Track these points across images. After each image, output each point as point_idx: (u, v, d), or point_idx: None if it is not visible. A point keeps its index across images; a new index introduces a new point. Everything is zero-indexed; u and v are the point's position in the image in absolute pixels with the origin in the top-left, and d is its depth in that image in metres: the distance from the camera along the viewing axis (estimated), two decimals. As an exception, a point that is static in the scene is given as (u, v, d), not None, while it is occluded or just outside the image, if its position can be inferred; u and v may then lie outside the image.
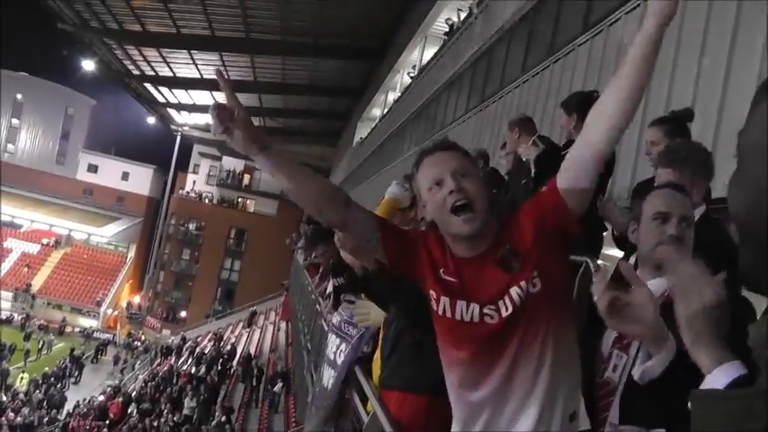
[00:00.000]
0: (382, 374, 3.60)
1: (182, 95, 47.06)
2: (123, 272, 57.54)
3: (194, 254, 56.28)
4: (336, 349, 5.04)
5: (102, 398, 27.76)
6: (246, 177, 58.55)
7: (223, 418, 19.74)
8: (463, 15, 19.76)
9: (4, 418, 25.93)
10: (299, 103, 45.42)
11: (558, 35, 10.98)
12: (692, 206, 2.37)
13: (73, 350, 37.70)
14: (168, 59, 38.47)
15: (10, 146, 64.24)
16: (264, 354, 28.85)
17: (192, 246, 56.46)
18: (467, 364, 2.08)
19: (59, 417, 28.13)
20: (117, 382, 33.64)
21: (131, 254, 60.19)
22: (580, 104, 4.52)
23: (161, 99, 49.28)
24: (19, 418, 26.39)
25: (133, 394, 28.08)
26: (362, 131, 37.47)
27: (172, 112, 54.05)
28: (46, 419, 27.21)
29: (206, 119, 51.68)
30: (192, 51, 35.98)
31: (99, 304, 51.65)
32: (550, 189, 2.00)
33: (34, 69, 64.27)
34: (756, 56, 5.59)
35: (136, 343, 45.25)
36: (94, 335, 46.27)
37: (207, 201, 58.45)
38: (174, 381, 27.23)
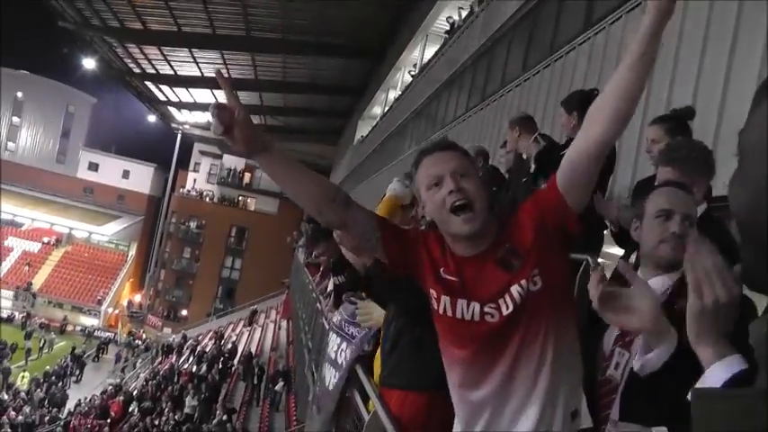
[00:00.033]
0: (382, 373, 3.60)
1: (182, 94, 47.00)
2: (124, 270, 57.53)
3: (195, 252, 56.28)
4: (338, 348, 5.04)
5: (103, 396, 27.83)
6: (247, 176, 58.55)
7: (224, 417, 19.77)
8: (464, 14, 19.76)
9: (5, 417, 25.94)
10: (299, 101, 45.37)
11: (558, 34, 10.97)
12: (695, 205, 2.37)
13: (74, 349, 37.70)
14: (169, 57, 38.43)
15: (10, 144, 64.25)
16: (265, 352, 28.90)
17: (192, 244, 56.48)
18: (468, 362, 2.08)
19: (61, 415, 28.13)
20: (118, 380, 33.65)
21: (132, 252, 60.17)
22: (580, 103, 4.52)
23: (162, 97, 49.23)
24: (20, 417, 26.40)
25: (134, 393, 28.12)
26: (363, 130, 37.43)
27: (172, 110, 53.97)
28: (47, 418, 27.22)
29: (207, 117, 51.83)
30: (193, 49, 35.92)
31: (100, 303, 51.62)
32: (550, 187, 2.00)
33: (35, 67, 64.38)
34: (757, 56, 5.59)
35: (137, 341, 45.26)
36: (95, 333, 46.27)
37: (208, 199, 58.47)
38: (176, 379, 27.26)
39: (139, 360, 40.87)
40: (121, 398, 26.58)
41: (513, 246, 2.03)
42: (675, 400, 1.40)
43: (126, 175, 64.59)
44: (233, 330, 39.23)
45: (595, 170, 1.95)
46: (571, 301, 2.17)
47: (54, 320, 46.55)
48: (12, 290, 49.08)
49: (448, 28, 21.32)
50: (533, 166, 4.92)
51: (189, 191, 58.89)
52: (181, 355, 34.54)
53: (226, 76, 2.18)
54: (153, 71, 41.70)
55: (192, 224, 56.64)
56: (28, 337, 39.96)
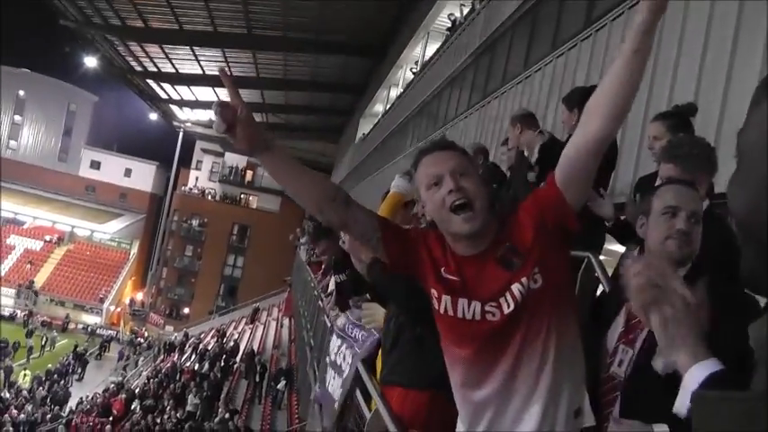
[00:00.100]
0: (383, 371, 3.60)
1: (184, 92, 47.04)
2: (126, 268, 57.62)
3: (197, 250, 56.36)
4: (338, 350, 5.04)
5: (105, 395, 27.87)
6: (249, 173, 58.59)
7: (226, 415, 19.79)
8: (465, 11, 19.74)
9: (7, 415, 25.97)
10: (301, 98, 45.37)
11: (560, 31, 10.95)
12: (701, 202, 2.37)
13: (76, 347, 37.75)
14: (170, 55, 38.46)
15: (12, 142, 64.21)
16: (267, 350, 28.91)
17: (194, 242, 56.56)
18: (470, 362, 2.08)
19: (63, 413, 28.16)
20: (120, 378, 33.69)
21: (134, 250, 60.29)
22: (582, 100, 4.48)
23: (163, 95, 49.28)
24: (22, 415, 26.44)
25: (136, 391, 28.15)
26: (365, 127, 37.43)
27: (174, 108, 54.01)
28: (49, 416, 27.25)
29: (208, 115, 51.81)
30: (195, 48, 35.95)
31: (102, 301, 51.71)
32: (549, 184, 2.00)
33: (36, 66, 64.31)
34: (758, 55, 5.59)
35: (139, 339, 45.32)
36: (98, 332, 46.33)
37: (209, 197, 58.56)
38: (178, 377, 27.29)
39: (141, 358, 40.91)
40: (123, 396, 26.62)
41: (514, 244, 2.03)
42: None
43: (128, 173, 64.58)
44: (235, 328, 39.24)
45: (593, 166, 1.94)
46: (572, 298, 2.16)
47: (56, 318, 46.65)
48: (14, 288, 49.18)
49: (449, 25, 21.29)
50: (536, 156, 4.89)
51: (191, 189, 58.97)
52: (183, 353, 34.58)
53: (228, 72, 2.17)
54: (154, 69, 41.75)
55: (194, 222, 56.73)
56: (30, 335, 40.03)
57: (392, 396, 3.39)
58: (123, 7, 31.73)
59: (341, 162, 47.40)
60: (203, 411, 22.24)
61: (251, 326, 37.07)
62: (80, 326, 47.54)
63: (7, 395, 28.97)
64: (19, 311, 46.38)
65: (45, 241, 56.33)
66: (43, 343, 39.88)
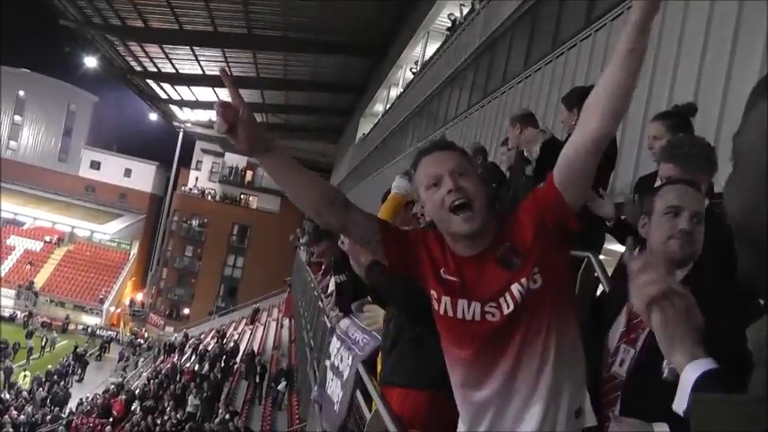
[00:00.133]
0: (383, 371, 3.60)
1: (184, 92, 47.07)
2: (126, 269, 57.64)
3: (197, 251, 56.36)
4: (337, 352, 5.04)
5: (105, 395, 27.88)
6: (249, 174, 58.58)
7: (227, 416, 19.78)
8: (465, 11, 19.74)
9: (7, 416, 25.98)
10: (301, 98, 45.40)
11: (560, 30, 10.96)
12: (704, 202, 2.37)
13: (76, 348, 37.76)
14: (170, 56, 38.49)
15: (12, 143, 64.21)
16: (268, 351, 28.88)
17: (194, 242, 56.56)
18: (470, 363, 2.07)
19: (63, 414, 28.18)
20: (120, 379, 33.69)
21: (134, 251, 60.30)
22: (581, 100, 4.46)
23: (163, 95, 49.31)
24: (22, 416, 26.45)
25: (137, 392, 28.14)
26: (365, 127, 37.44)
27: (174, 108, 54.05)
28: (49, 417, 27.26)
29: (209, 115, 52.13)
30: (195, 48, 35.97)
31: (102, 302, 51.70)
32: (548, 184, 2.00)
33: (36, 66, 64.30)
34: (757, 55, 5.59)
35: (139, 340, 45.32)
36: (97, 332, 46.33)
37: (209, 197, 58.56)
38: (178, 378, 27.27)
39: (141, 359, 40.92)
40: (124, 397, 26.62)
41: (514, 244, 2.02)
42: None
43: (128, 173, 64.59)
44: (235, 329, 39.22)
45: (592, 166, 1.94)
46: (573, 298, 2.16)
47: (56, 319, 46.66)
48: (14, 289, 49.19)
49: (449, 25, 21.29)
50: (537, 154, 4.87)
51: (191, 189, 58.97)
52: (183, 353, 34.56)
53: (229, 73, 2.16)
54: (154, 69, 41.78)
55: (194, 222, 56.73)
56: (30, 336, 40.03)
57: (392, 396, 3.39)
58: (123, 7, 31.76)
59: (341, 162, 47.41)
60: (203, 412, 22.22)
61: (251, 326, 37.04)
62: (80, 327, 47.54)
63: (7, 396, 28.97)
64: (19, 312, 46.39)
65: (45, 242, 56.35)
66: (43, 344, 39.89)
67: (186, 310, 53.75)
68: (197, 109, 52.28)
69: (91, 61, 41.28)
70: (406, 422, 3.18)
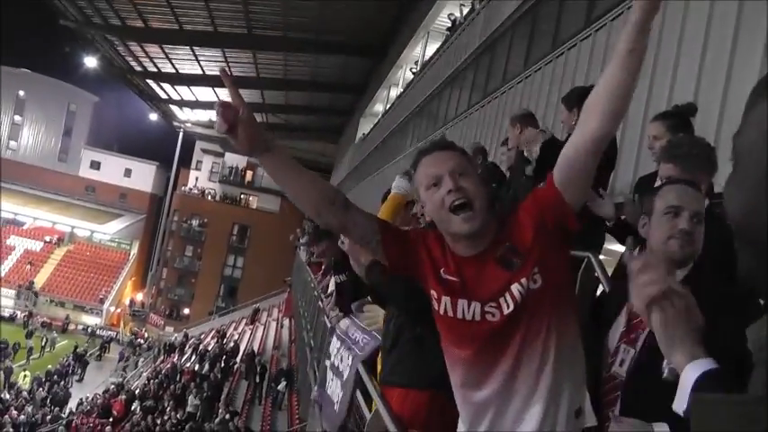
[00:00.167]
0: (383, 371, 3.60)
1: (184, 92, 47.07)
2: (126, 269, 57.63)
3: (197, 251, 56.36)
4: (337, 352, 5.04)
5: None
6: (249, 174, 58.58)
7: (227, 416, 19.78)
8: (465, 11, 19.74)
9: (7, 416, 25.98)
10: (301, 98, 45.41)
11: (560, 30, 10.96)
12: (704, 202, 2.37)
13: (76, 348, 37.75)
14: (171, 55, 38.49)
15: (12, 143, 64.20)
16: (268, 351, 28.89)
17: (194, 242, 56.56)
18: (470, 363, 2.07)
19: (63, 414, 28.18)
20: (120, 379, 33.69)
21: (134, 251, 60.29)
22: (581, 100, 4.46)
23: (163, 95, 49.31)
24: (22, 416, 26.45)
25: (137, 392, 28.14)
26: (365, 127, 37.44)
27: (174, 108, 54.05)
28: (49, 417, 27.26)
29: (209, 115, 52.13)
30: (195, 47, 35.97)
31: (102, 301, 51.70)
32: (548, 184, 2.00)
33: (36, 66, 64.30)
34: (757, 55, 5.59)
35: (139, 340, 45.32)
36: (98, 332, 46.33)
37: (209, 197, 58.57)
38: (178, 378, 27.27)
39: (141, 359, 40.92)
40: (124, 397, 26.61)
41: (514, 244, 2.03)
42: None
43: (128, 173, 64.59)
44: (235, 329, 39.21)
45: (592, 166, 1.94)
46: (573, 298, 2.16)
47: (56, 319, 46.66)
48: (14, 288, 49.18)
49: (449, 25, 21.29)
50: (538, 154, 4.87)
51: (191, 189, 58.98)
52: (183, 353, 34.56)
53: (229, 73, 2.16)
54: (154, 69, 41.78)
55: (194, 222, 56.73)
56: (30, 336, 40.02)
57: (392, 396, 3.39)
58: (123, 7, 31.77)
59: (341, 162, 47.40)
60: (203, 412, 22.22)
61: (251, 326, 37.03)
62: (80, 327, 47.54)
63: (7, 396, 28.98)
64: (19, 312, 46.39)
65: (45, 242, 56.35)
66: (43, 344, 39.88)
67: (186, 310, 53.75)
68: (197, 109, 52.29)
69: (91, 61, 41.30)
70: (406, 422, 3.18)
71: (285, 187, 2.11)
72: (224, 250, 56.54)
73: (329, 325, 6.79)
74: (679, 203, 2.26)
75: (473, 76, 16.13)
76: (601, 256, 4.03)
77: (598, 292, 3.77)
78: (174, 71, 41.19)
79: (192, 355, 32.83)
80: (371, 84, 37.40)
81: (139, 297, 58.33)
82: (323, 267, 10.41)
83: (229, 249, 56.95)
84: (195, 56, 37.51)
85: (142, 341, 45.29)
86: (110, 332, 47.37)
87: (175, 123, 58.64)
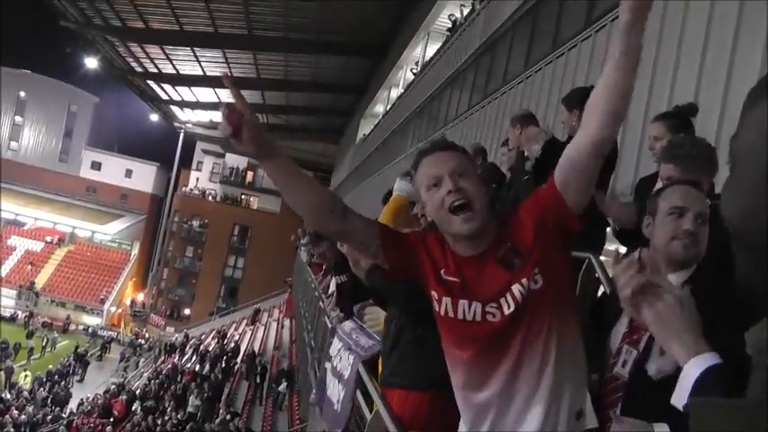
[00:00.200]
0: (384, 372, 3.60)
1: (185, 92, 47.06)
2: (127, 269, 57.62)
3: (198, 251, 56.38)
4: (337, 353, 5.03)
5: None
6: (250, 174, 58.58)
7: (227, 416, 19.78)
8: (466, 11, 19.73)
9: (8, 416, 25.99)
10: (301, 99, 45.41)
11: (560, 31, 10.95)
12: (707, 204, 2.37)
13: (77, 348, 37.76)
14: (171, 56, 38.50)
15: (13, 143, 64.21)
16: (268, 351, 28.89)
17: (195, 243, 56.57)
18: (471, 363, 2.07)
19: (63, 414, 28.18)
20: (121, 379, 33.69)
21: (135, 251, 60.28)
22: (581, 100, 4.46)
23: (164, 96, 49.31)
24: (23, 416, 26.46)
25: (137, 392, 28.14)
26: (365, 128, 37.43)
27: (175, 109, 54.06)
28: (50, 417, 27.26)
29: (209, 116, 52.12)
30: (195, 48, 35.98)
31: (103, 302, 51.68)
32: (549, 185, 2.00)
33: (37, 67, 64.32)
34: (758, 55, 5.58)
35: (140, 341, 45.33)
36: (98, 333, 46.34)
37: (210, 198, 58.59)
38: (179, 378, 27.28)
39: (142, 359, 40.92)
40: (124, 397, 26.61)
41: (515, 244, 2.03)
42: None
43: (128, 174, 64.64)
44: (236, 329, 39.21)
45: (594, 169, 1.94)
46: (573, 298, 2.16)
47: (57, 319, 46.64)
48: (15, 289, 49.19)
49: (450, 26, 21.28)
50: (539, 153, 4.86)
51: (191, 190, 58.99)
52: (184, 354, 34.56)
53: (231, 77, 2.14)
54: (155, 70, 41.78)
55: (195, 223, 56.75)
56: (30, 336, 40.02)
57: (393, 397, 3.39)
58: (124, 8, 31.77)
59: (341, 163, 47.39)
60: (204, 412, 22.22)
61: (252, 327, 37.03)
62: (81, 327, 47.56)
63: (8, 396, 28.98)
64: (20, 312, 46.41)
65: (46, 242, 56.35)
66: (44, 344, 39.87)
67: (187, 311, 53.78)
68: (198, 110, 52.31)
69: (92, 62, 41.34)
70: (407, 423, 3.18)
71: (285, 192, 2.10)
72: (225, 251, 56.55)
73: (330, 325, 6.79)
74: (683, 204, 2.26)
75: (473, 77, 16.12)
76: (602, 257, 4.03)
77: (599, 294, 3.76)
78: (174, 72, 41.19)
79: (192, 355, 32.82)
80: (372, 84, 37.40)
81: (140, 297, 58.37)
82: (323, 268, 10.41)
83: (230, 250, 56.97)
84: (196, 57, 37.52)
85: (143, 341, 45.29)
86: (110, 332, 47.39)
87: (176, 124, 58.68)
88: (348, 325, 5.32)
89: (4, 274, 50.38)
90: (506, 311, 2.00)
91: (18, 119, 64.65)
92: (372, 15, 30.09)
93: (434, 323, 2.16)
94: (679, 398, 1.33)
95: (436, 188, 2.06)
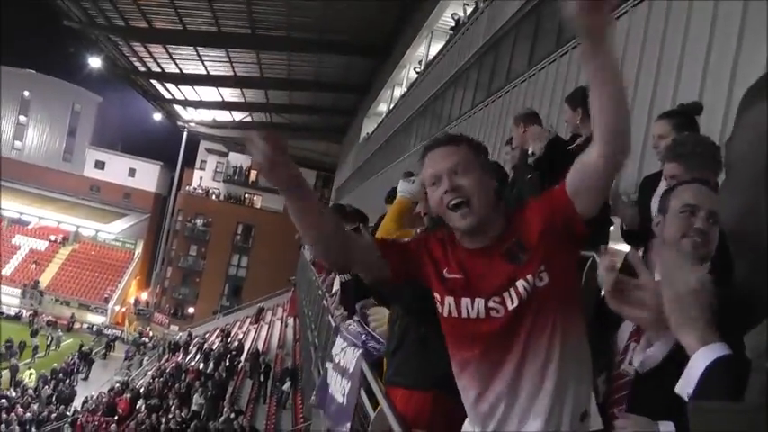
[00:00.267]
0: (388, 372, 3.60)
1: (188, 91, 47.05)
2: (131, 268, 57.71)
3: (201, 250, 56.44)
4: (340, 351, 5.03)
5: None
6: (253, 173, 58.46)
7: (231, 415, 19.82)
8: (469, 10, 19.71)
9: (13, 414, 26.05)
10: (304, 98, 45.38)
11: (563, 29, 10.91)
12: (718, 203, 2.37)
13: (82, 346, 37.81)
14: (174, 56, 38.52)
15: (17, 143, 64.33)
16: (272, 350, 28.93)
17: (199, 242, 56.63)
18: (476, 363, 2.08)
19: (68, 412, 28.25)
20: (125, 377, 33.73)
21: (139, 250, 60.39)
22: (585, 99, 4.47)
23: (167, 95, 49.32)
24: (28, 414, 26.53)
25: (141, 390, 28.18)
26: (369, 127, 37.41)
27: (178, 108, 54.05)
28: (55, 415, 27.33)
29: (212, 115, 52.12)
30: (199, 48, 36.00)
31: (107, 301, 51.81)
32: (561, 189, 2.00)
33: (41, 66, 64.45)
34: (762, 54, 5.57)
35: (144, 339, 45.38)
36: (103, 331, 46.42)
37: (214, 197, 58.65)
38: (183, 377, 27.31)
39: (146, 357, 40.96)
40: (129, 395, 26.64)
41: (521, 240, 2.03)
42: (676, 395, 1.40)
43: (132, 173, 64.73)
44: (240, 328, 39.27)
45: (606, 183, 1.97)
46: (579, 298, 2.16)
47: (61, 318, 46.70)
48: (19, 288, 49.28)
49: (453, 24, 21.28)
50: (543, 151, 4.85)
51: (195, 189, 59.05)
52: (187, 352, 34.59)
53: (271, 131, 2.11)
54: (158, 69, 41.80)
55: (199, 222, 56.82)
56: (35, 334, 40.08)
57: (396, 396, 3.40)
58: (127, 8, 31.78)
59: (344, 162, 47.39)
60: (208, 411, 22.27)
61: (255, 325, 37.10)
62: (85, 325, 47.66)
63: (13, 394, 29.04)
64: (24, 311, 46.47)
65: (50, 241, 56.47)
66: (48, 342, 39.94)
67: (191, 309, 53.85)
68: (201, 109, 52.30)
69: (95, 62, 41.39)
70: (410, 422, 3.18)
71: (302, 227, 2.11)
72: (228, 249, 56.61)
73: (333, 324, 6.79)
74: (695, 202, 2.26)
75: (477, 76, 16.11)
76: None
77: (602, 292, 3.76)
78: (177, 71, 41.22)
79: (196, 353, 32.87)
80: (375, 83, 37.38)
81: (144, 296, 58.40)
82: (327, 266, 10.39)
83: (234, 249, 57.00)
84: (199, 56, 37.54)
85: (147, 340, 45.31)
86: (115, 331, 47.45)
87: (179, 123, 58.65)
88: (353, 327, 5.32)
89: (8, 273, 50.56)
90: (510, 307, 2.01)
91: (22, 118, 64.77)
92: (375, 14, 30.07)
93: (438, 323, 2.17)
94: (684, 387, 1.33)
95: (435, 186, 2.09)
